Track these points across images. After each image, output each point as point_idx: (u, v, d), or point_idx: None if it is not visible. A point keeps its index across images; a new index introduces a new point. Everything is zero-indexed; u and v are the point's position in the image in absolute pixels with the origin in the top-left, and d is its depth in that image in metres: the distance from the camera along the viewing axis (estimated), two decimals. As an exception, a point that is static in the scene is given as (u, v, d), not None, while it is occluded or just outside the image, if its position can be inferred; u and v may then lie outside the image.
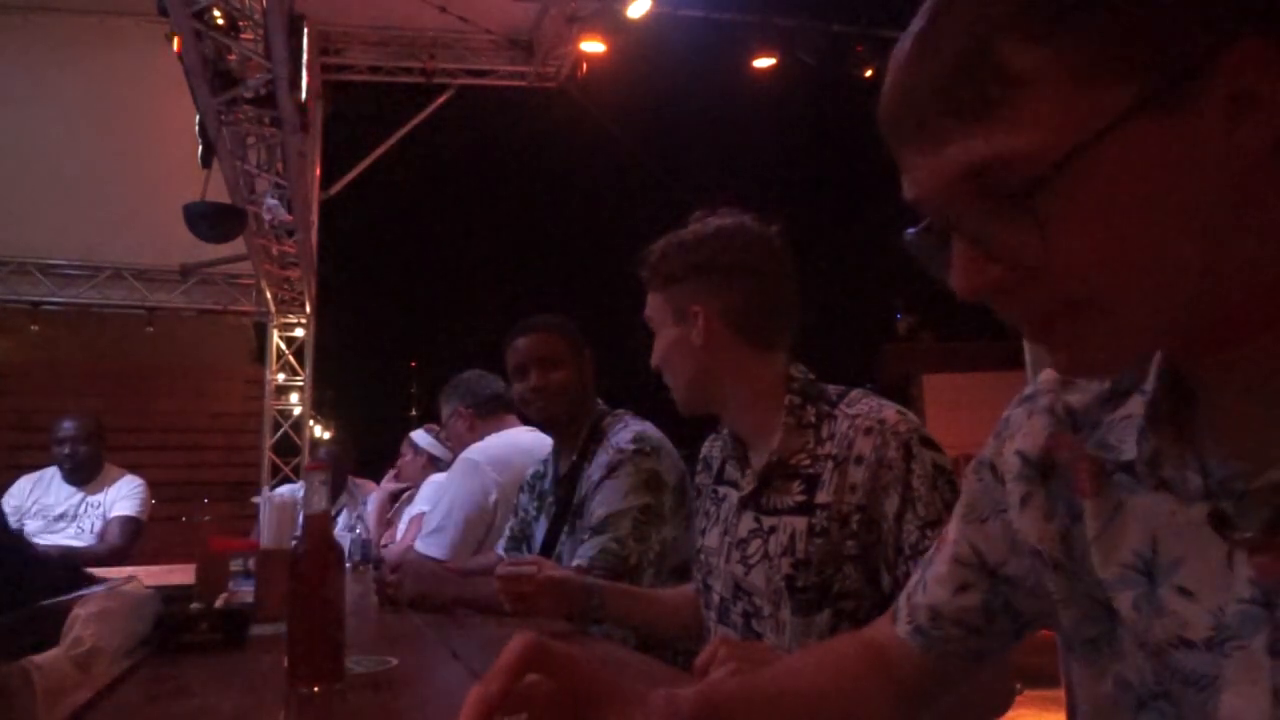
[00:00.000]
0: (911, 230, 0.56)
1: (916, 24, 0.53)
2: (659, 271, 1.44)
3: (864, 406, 1.30)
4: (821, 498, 1.26)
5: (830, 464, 1.26)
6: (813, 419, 1.32)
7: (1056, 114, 0.48)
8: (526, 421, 2.71)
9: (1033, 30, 0.48)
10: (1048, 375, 0.67)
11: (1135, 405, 0.60)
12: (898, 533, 1.19)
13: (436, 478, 3.28)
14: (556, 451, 2.18)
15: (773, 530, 1.30)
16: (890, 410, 1.27)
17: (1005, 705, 1.14)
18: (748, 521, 1.35)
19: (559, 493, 2.10)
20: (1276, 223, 0.50)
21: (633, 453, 1.93)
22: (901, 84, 0.53)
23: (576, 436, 2.09)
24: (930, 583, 0.76)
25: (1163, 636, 0.56)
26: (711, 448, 1.56)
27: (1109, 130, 0.47)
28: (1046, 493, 0.65)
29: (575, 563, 1.85)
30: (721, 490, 1.45)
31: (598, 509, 1.89)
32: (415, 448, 3.67)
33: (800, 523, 1.26)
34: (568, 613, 1.61)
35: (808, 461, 1.29)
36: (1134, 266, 0.49)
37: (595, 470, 1.96)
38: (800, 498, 1.28)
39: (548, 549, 2.07)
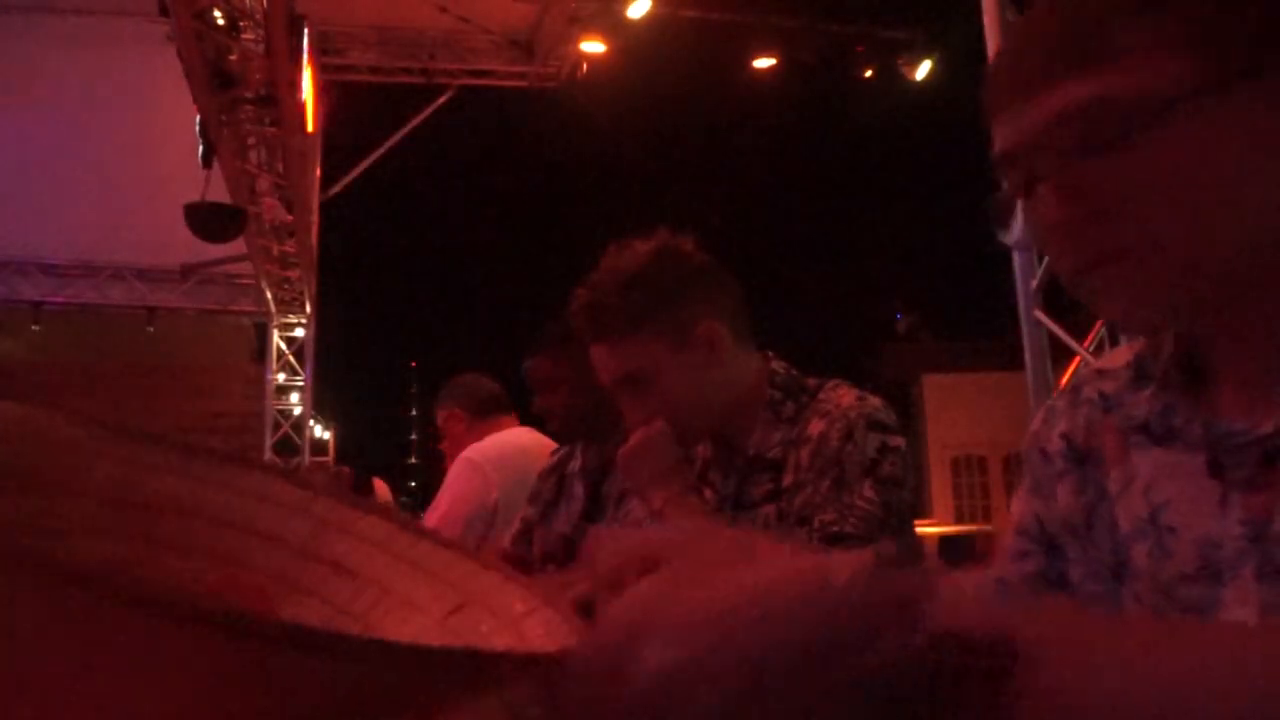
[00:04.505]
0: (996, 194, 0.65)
1: None
2: (624, 315, 1.30)
3: (832, 394, 1.30)
4: (786, 481, 1.27)
5: (792, 449, 1.28)
6: (792, 413, 1.32)
7: (1161, 72, 0.56)
8: (524, 422, 2.71)
9: (1148, 4, 0.58)
10: (1086, 369, 0.76)
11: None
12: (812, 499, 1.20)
13: None
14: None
15: (750, 524, 1.30)
16: (850, 395, 1.27)
17: None
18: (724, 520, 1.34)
19: (586, 483, 2.07)
20: None
21: None
22: (1025, 37, 0.62)
23: (608, 436, 2.06)
24: (998, 555, 0.81)
25: (1169, 576, 0.62)
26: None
27: (1201, 92, 0.55)
28: (1081, 474, 0.72)
29: None
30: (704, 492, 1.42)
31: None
32: None
33: (771, 510, 1.28)
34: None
35: (778, 451, 1.30)
36: (1191, 217, 0.56)
37: None
38: (769, 486, 1.29)
39: (572, 541, 2.06)
